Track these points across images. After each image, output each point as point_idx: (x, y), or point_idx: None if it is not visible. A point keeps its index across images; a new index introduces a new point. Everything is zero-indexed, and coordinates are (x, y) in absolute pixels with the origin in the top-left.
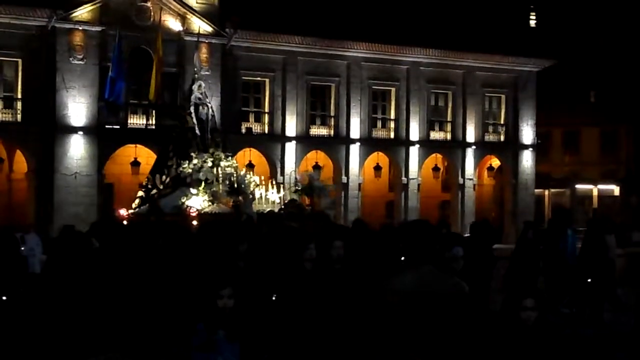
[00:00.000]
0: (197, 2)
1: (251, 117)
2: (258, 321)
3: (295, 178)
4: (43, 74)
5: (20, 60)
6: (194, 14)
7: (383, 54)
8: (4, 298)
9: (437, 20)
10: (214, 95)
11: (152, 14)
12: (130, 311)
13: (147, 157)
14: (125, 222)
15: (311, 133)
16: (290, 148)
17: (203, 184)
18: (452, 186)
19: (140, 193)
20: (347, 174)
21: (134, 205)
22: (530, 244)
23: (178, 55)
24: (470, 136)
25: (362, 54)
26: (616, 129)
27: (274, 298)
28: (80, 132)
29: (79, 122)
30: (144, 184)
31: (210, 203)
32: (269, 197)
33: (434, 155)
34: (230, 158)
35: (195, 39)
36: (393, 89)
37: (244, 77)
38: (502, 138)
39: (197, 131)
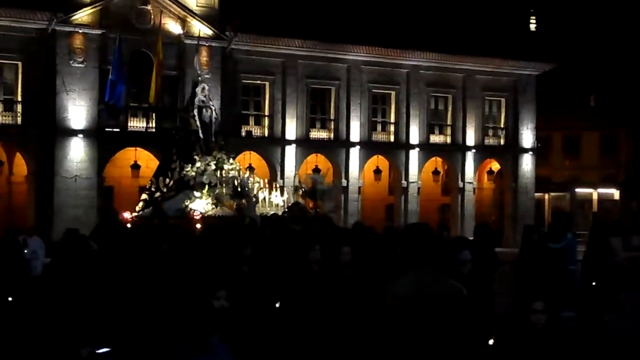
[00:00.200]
0: (197, 6)
1: (251, 120)
2: (256, 324)
3: (299, 181)
4: (43, 76)
5: (20, 63)
6: (194, 17)
7: (383, 57)
8: (10, 299)
9: (437, 24)
10: (214, 98)
11: (152, 17)
12: (127, 314)
13: (147, 160)
14: (128, 225)
15: (311, 136)
16: (290, 151)
17: (206, 187)
18: (452, 190)
19: (144, 196)
20: (347, 177)
21: (137, 209)
22: (536, 248)
23: (178, 59)
24: (470, 140)
25: (362, 57)
26: (616, 133)
27: (277, 305)
28: (80, 135)
29: (79, 125)
30: (147, 187)
31: (213, 206)
32: (272, 200)
33: (433, 158)
34: (233, 161)
35: (196, 42)
36: (393, 93)
37: (244, 80)
38: (502, 142)
39: (201, 134)
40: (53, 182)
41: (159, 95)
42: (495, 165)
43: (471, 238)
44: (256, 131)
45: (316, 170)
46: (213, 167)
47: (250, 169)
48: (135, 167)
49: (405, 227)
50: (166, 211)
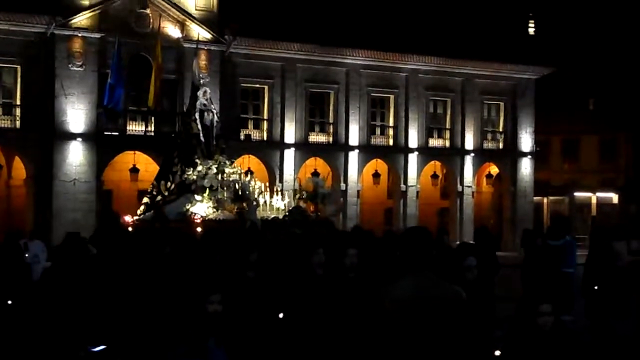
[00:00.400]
0: (196, 9)
1: (250, 124)
2: (257, 329)
3: (299, 185)
4: (42, 80)
5: (19, 67)
6: (193, 21)
7: (382, 61)
8: (9, 302)
9: (436, 27)
10: (212, 102)
11: (151, 21)
12: (125, 315)
13: (145, 163)
14: (129, 229)
15: (310, 140)
16: (289, 155)
17: (207, 190)
18: (450, 193)
19: (145, 199)
20: (345, 181)
21: (138, 212)
22: (540, 251)
23: (177, 62)
24: (469, 143)
25: (361, 61)
26: (615, 136)
27: (281, 315)
28: (79, 139)
29: (77, 128)
30: (149, 190)
31: (214, 210)
32: (273, 204)
33: (432, 162)
34: (234, 164)
35: (195, 46)
36: (392, 96)
37: (242, 84)
38: (501, 145)
39: (202, 137)
40: (52, 185)
41: (158, 99)
42: (494, 169)
43: (471, 242)
44: (255, 135)
45: (315, 174)
46: (214, 170)
47: (249, 172)
48: (134, 170)
49: (404, 231)
50: (167, 215)
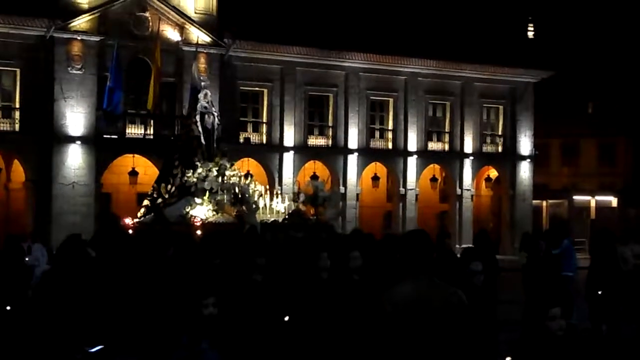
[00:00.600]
0: (195, 13)
1: (249, 127)
2: (258, 333)
3: (298, 188)
4: (41, 83)
5: (18, 70)
6: (192, 24)
7: (381, 64)
8: (8, 308)
9: (435, 31)
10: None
11: (150, 24)
12: (124, 317)
13: (144, 166)
14: (130, 231)
15: (309, 143)
16: (288, 158)
17: (207, 193)
18: (450, 197)
19: (145, 202)
20: (345, 184)
21: (139, 214)
22: (544, 255)
23: (176, 65)
24: (468, 147)
25: (360, 64)
26: (614, 140)
27: (286, 319)
28: (78, 142)
29: (76, 131)
30: (149, 192)
31: (214, 213)
32: (274, 207)
33: (431, 165)
34: (234, 167)
35: (194, 49)
36: (391, 100)
37: (242, 87)
38: (500, 149)
39: (203, 140)
40: (51, 188)
41: (157, 102)
42: (493, 173)
43: (470, 245)
44: (254, 138)
45: (314, 177)
46: (215, 173)
47: (249, 175)
48: (133, 173)
49: (404, 234)
50: (168, 217)
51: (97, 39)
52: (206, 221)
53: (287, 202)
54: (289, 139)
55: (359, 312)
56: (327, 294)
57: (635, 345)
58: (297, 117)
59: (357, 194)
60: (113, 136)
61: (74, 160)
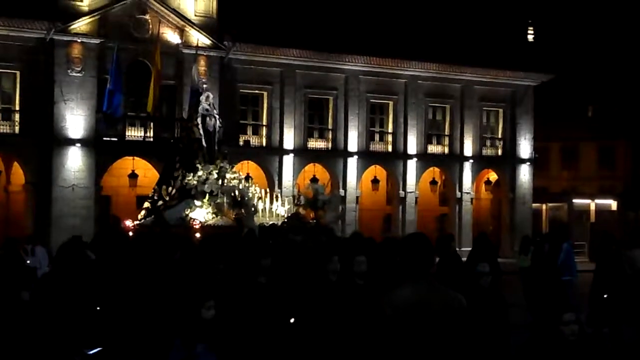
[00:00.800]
0: (195, 15)
1: (249, 130)
2: (262, 334)
3: (298, 191)
4: (41, 86)
5: (18, 72)
6: (192, 27)
7: (381, 67)
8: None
9: (435, 34)
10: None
11: (150, 26)
12: (120, 320)
13: (144, 169)
14: (130, 234)
15: (309, 146)
16: (288, 161)
17: (207, 196)
18: (449, 200)
19: (146, 204)
20: (344, 187)
21: (139, 217)
22: (548, 258)
23: (176, 68)
24: (468, 150)
25: (360, 67)
26: (614, 143)
27: (292, 320)
28: (78, 144)
29: (76, 134)
30: (150, 195)
31: (214, 215)
32: (274, 210)
33: (431, 168)
34: (235, 169)
35: (194, 52)
36: (391, 103)
37: (241, 90)
38: (500, 152)
39: (204, 143)
40: (50, 191)
41: (157, 104)
42: (493, 176)
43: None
44: (254, 141)
45: (314, 180)
46: (215, 176)
47: (249, 178)
48: (133, 176)
49: (404, 238)
50: (167, 220)
51: (97, 41)
52: (205, 224)
53: (287, 205)
54: (289, 142)
55: (363, 316)
56: (335, 297)
57: (637, 348)
58: (297, 119)
59: (357, 197)
60: (113, 139)
61: (74, 162)
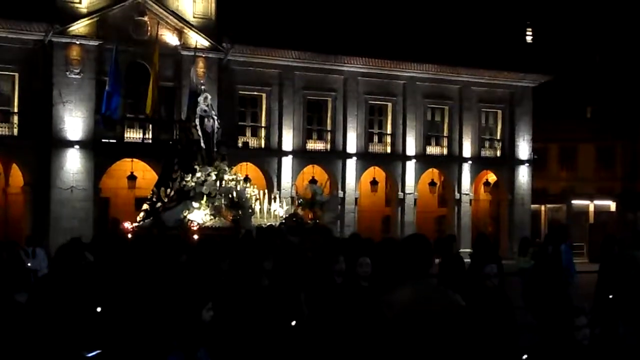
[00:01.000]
0: (194, 17)
1: (248, 132)
2: (264, 336)
3: (296, 192)
4: (40, 88)
5: (17, 74)
6: (191, 29)
7: (380, 68)
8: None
9: (433, 35)
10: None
11: (149, 28)
12: (119, 323)
13: (143, 171)
14: (129, 236)
15: (308, 147)
16: (287, 162)
17: (205, 197)
18: (448, 201)
19: (145, 206)
20: (343, 189)
21: (138, 219)
22: (552, 260)
23: (175, 70)
24: (467, 151)
25: (358, 68)
26: (612, 144)
27: (293, 324)
28: (77, 146)
29: (75, 136)
30: (149, 197)
31: (212, 217)
32: (272, 211)
33: (430, 170)
34: (233, 171)
35: (192, 54)
36: (389, 104)
37: (240, 92)
38: (499, 153)
39: (202, 144)
40: (49, 193)
41: (155, 106)
42: (492, 177)
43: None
44: (253, 142)
45: (313, 181)
46: (213, 177)
47: (247, 180)
48: (132, 178)
49: (403, 239)
50: (166, 221)
51: (95, 43)
52: (203, 225)
53: (285, 207)
54: (288, 144)
55: (366, 318)
56: (341, 299)
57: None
58: (296, 121)
59: (356, 199)
60: (111, 140)
61: (73, 164)
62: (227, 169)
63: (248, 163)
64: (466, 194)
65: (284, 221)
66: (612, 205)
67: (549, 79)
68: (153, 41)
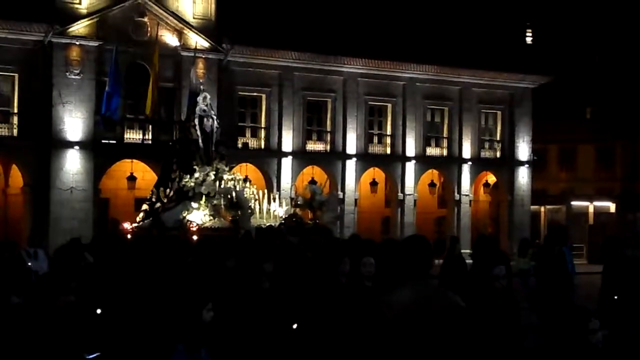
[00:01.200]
0: (194, 18)
1: (247, 132)
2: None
3: (295, 192)
4: (39, 88)
5: (16, 75)
6: (190, 30)
7: (379, 69)
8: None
9: (433, 36)
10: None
11: (149, 29)
12: (119, 324)
13: (143, 171)
14: (129, 236)
15: (307, 148)
16: (287, 163)
17: (204, 197)
18: (448, 202)
19: (144, 206)
20: (343, 190)
21: (137, 219)
22: (557, 260)
23: (175, 71)
24: (467, 152)
25: (358, 69)
26: (612, 145)
27: (295, 326)
28: (76, 147)
29: (75, 136)
30: (148, 197)
31: (211, 217)
32: (272, 211)
33: (430, 171)
34: (233, 171)
35: (192, 54)
36: (389, 105)
37: (240, 92)
38: (498, 154)
39: (201, 143)
40: (49, 194)
41: (155, 107)
42: (492, 178)
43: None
44: (252, 143)
45: (312, 182)
46: (212, 177)
47: (247, 180)
48: (132, 179)
49: (403, 240)
50: (165, 222)
51: (95, 44)
52: (202, 226)
53: (285, 207)
54: (287, 144)
55: (368, 318)
56: (346, 300)
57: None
58: (296, 122)
59: (355, 199)
60: (111, 141)
61: (72, 165)
62: (226, 168)
63: (248, 164)
64: (466, 195)
65: (283, 221)
66: (611, 206)
67: (549, 80)
68: (153, 42)
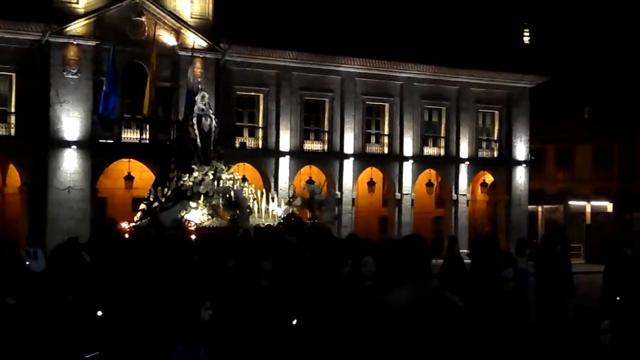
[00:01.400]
0: (191, 17)
1: (245, 132)
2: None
3: (293, 192)
4: (37, 88)
5: (14, 75)
6: (188, 29)
7: (377, 69)
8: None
9: (431, 36)
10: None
11: (146, 28)
12: (118, 324)
13: (140, 171)
14: (126, 236)
15: (305, 148)
16: (284, 163)
17: (203, 197)
18: (445, 202)
19: (142, 206)
20: (340, 189)
21: (135, 219)
22: (559, 260)
23: (172, 70)
24: (464, 152)
25: (356, 69)
26: (610, 145)
27: (294, 322)
28: (74, 147)
29: (72, 136)
30: (146, 197)
31: (209, 217)
32: (271, 211)
33: (427, 170)
34: (231, 170)
35: (190, 54)
36: (387, 105)
37: (238, 92)
38: (496, 154)
39: (199, 143)
40: (46, 193)
41: (153, 106)
42: (489, 178)
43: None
44: (250, 143)
45: (310, 181)
46: (210, 176)
47: (244, 180)
48: (129, 178)
49: (401, 239)
50: (163, 222)
51: (93, 43)
52: (200, 225)
53: (283, 206)
54: (285, 144)
55: (367, 318)
56: (347, 299)
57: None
58: (293, 121)
59: (353, 199)
60: (109, 141)
61: (70, 165)
62: (224, 168)
63: (245, 163)
64: (463, 195)
65: (282, 221)
66: (609, 206)
67: (547, 79)
68: (150, 41)
